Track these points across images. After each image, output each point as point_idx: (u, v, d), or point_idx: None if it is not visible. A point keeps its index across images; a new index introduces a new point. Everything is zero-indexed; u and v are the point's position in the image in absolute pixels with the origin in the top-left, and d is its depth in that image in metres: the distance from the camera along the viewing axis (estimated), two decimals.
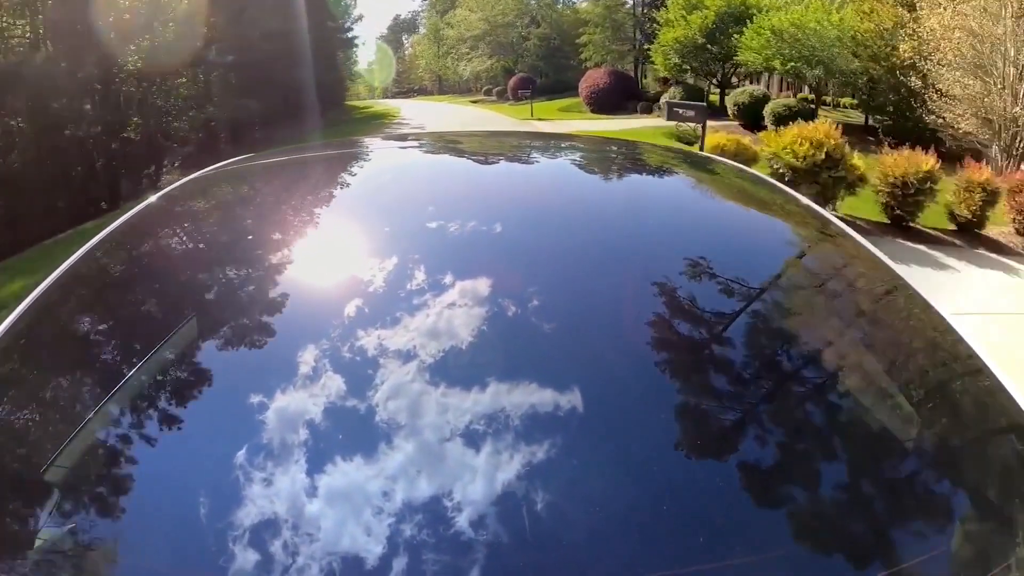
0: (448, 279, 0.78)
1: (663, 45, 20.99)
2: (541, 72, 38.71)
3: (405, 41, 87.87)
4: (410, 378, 0.64)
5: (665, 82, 26.70)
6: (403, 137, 1.78)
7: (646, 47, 25.34)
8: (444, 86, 70.78)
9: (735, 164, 1.39)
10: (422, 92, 76.00)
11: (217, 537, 0.53)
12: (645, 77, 27.43)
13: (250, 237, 0.97)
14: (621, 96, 24.28)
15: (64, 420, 0.68)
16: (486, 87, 46.52)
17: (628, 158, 1.41)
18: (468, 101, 42.05)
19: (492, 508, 0.54)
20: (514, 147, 1.49)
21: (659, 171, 1.34)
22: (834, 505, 0.59)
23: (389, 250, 0.87)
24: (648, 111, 22.77)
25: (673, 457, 0.61)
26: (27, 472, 0.64)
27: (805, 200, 1.15)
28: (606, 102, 24.12)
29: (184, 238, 1.04)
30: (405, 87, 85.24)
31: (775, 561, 0.53)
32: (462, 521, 0.53)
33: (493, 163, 1.31)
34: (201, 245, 1.00)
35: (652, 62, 23.35)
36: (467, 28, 45.95)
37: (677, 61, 21.03)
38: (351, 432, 0.61)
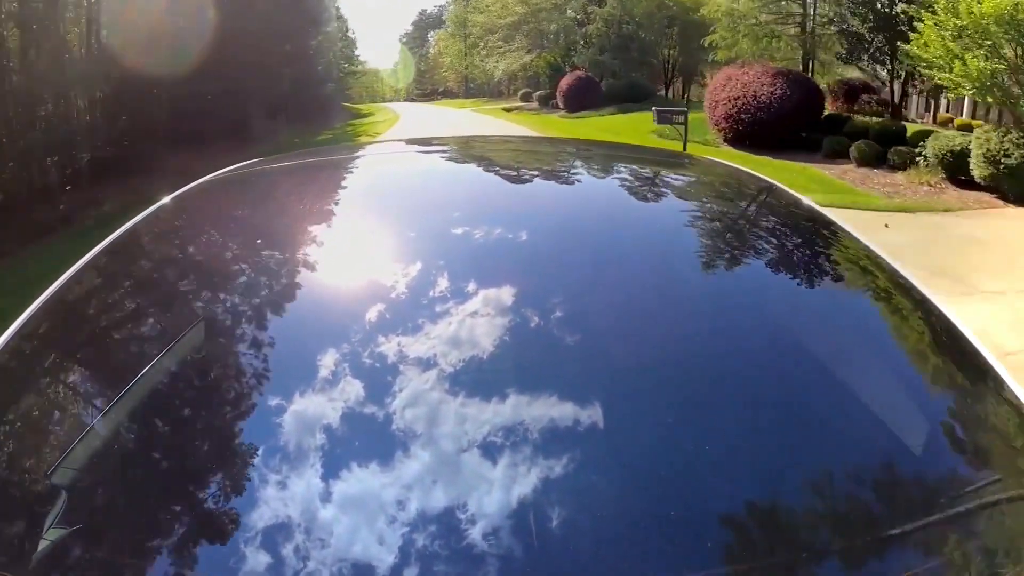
0: (462, 286, 0.77)
1: (968, 24, 8.44)
2: (605, 71, 27.05)
3: (431, 38, 77.37)
4: (425, 385, 0.64)
5: (849, 98, 14.93)
6: (426, 141, 1.69)
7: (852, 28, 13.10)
8: (471, 88, 60.41)
9: (750, 171, 1.33)
10: (447, 95, 66.36)
11: (228, 540, 0.54)
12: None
13: (258, 241, 0.97)
14: (798, 121, 12.04)
15: (77, 422, 0.68)
16: (523, 90, 35.52)
17: (640, 162, 1.40)
18: (500, 109, 30.98)
19: (507, 521, 0.53)
20: (531, 152, 1.50)
21: (669, 176, 1.32)
22: (852, 508, 0.59)
23: (405, 255, 0.87)
24: (881, 162, 10.52)
25: (696, 472, 0.60)
26: (38, 476, 0.63)
27: (808, 201, 1.16)
28: (769, 131, 12.07)
29: (196, 241, 1.05)
30: (428, 88, 75.66)
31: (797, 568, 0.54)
32: (475, 533, 0.52)
33: (511, 168, 1.30)
34: (213, 248, 1.00)
35: (915, 64, 10.20)
36: (500, 14, 34.74)
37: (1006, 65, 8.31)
38: (362, 437, 0.61)
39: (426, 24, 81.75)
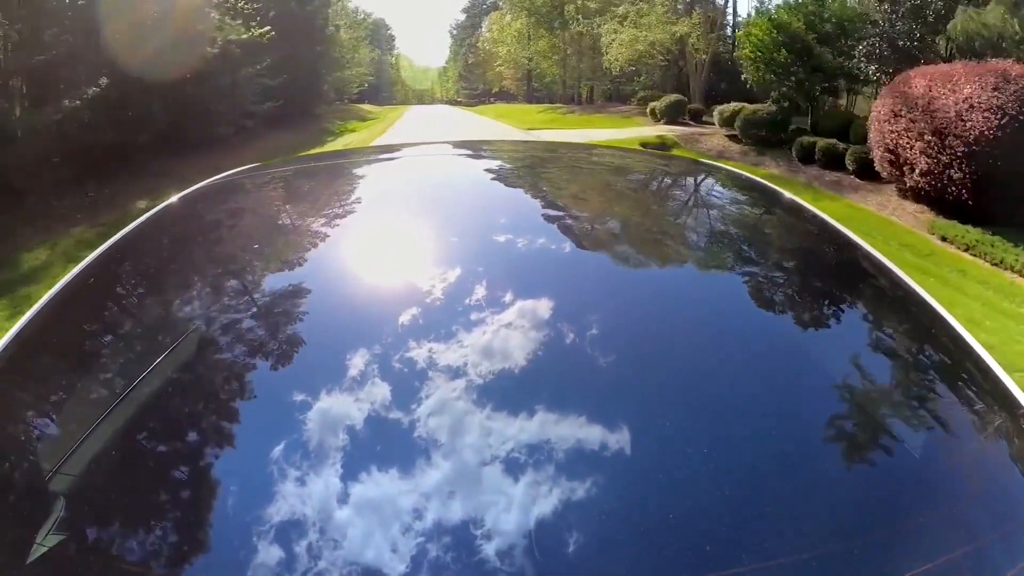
0: (466, 288, 0.77)
1: None
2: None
3: (484, 28, 59.18)
4: (432, 391, 0.63)
5: None
6: (435, 145, 1.65)
7: None
8: (536, 91, 42.42)
9: (756, 178, 1.31)
10: (502, 97, 49.00)
11: (233, 541, 0.54)
12: None
13: (256, 247, 0.97)
14: None
15: (83, 425, 0.67)
16: (656, 97, 17.20)
17: (645, 168, 1.40)
18: (638, 142, 12.42)
19: (516, 532, 0.52)
20: (533, 155, 1.51)
21: (680, 183, 1.30)
22: (855, 510, 0.59)
23: (411, 259, 0.86)
24: None
25: (717, 491, 0.58)
26: (50, 478, 0.62)
27: (801, 204, 1.15)
28: None
29: (197, 244, 1.04)
30: (479, 88, 58.41)
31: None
32: (479, 543, 0.51)
33: (513, 172, 1.29)
34: (214, 251, 0.99)
35: None
36: None
37: None
38: (367, 441, 0.60)
39: (480, 10, 64.17)
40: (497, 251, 0.87)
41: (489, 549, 0.50)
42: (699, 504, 0.57)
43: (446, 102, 64.41)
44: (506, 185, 1.19)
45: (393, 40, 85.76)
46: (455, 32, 72.34)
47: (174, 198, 1.14)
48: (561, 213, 1.02)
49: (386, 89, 76.78)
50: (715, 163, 1.48)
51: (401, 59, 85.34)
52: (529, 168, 1.31)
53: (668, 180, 1.30)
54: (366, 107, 41.88)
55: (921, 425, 0.69)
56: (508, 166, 1.32)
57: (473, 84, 60.88)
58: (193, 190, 1.18)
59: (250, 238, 0.99)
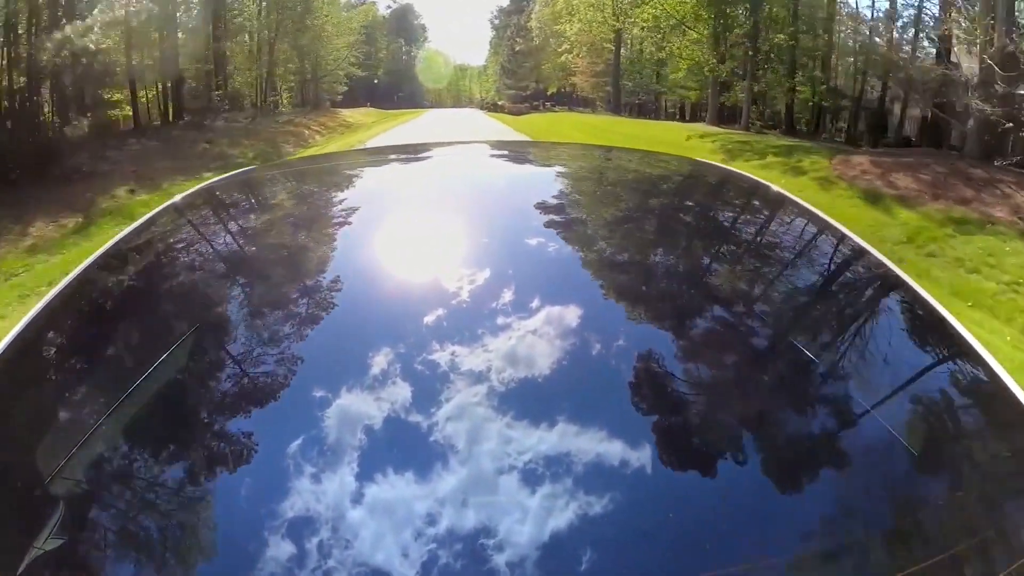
0: (463, 289, 0.76)
1: None
2: None
3: (536, 5, 41.73)
4: (436, 393, 0.62)
5: None
6: (433, 145, 1.68)
7: None
8: (636, 95, 25.32)
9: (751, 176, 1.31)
10: (565, 102, 31.97)
11: (239, 540, 0.54)
12: None
13: (254, 248, 0.97)
14: None
15: (84, 425, 0.67)
16: None
17: (643, 168, 1.39)
18: None
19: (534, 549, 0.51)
20: (535, 155, 1.55)
21: (659, 178, 1.30)
22: (849, 508, 0.59)
23: (417, 257, 0.86)
24: None
25: (724, 501, 0.58)
26: (43, 480, 0.63)
27: (798, 201, 1.14)
28: None
29: (201, 244, 1.03)
30: (529, 87, 41.45)
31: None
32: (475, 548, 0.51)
33: (522, 172, 1.29)
34: (217, 251, 0.99)
35: None
36: None
37: None
38: (376, 443, 0.60)
39: None
40: (499, 253, 0.86)
41: (500, 559, 0.50)
42: (708, 507, 0.57)
43: (480, 106, 47.58)
44: (507, 185, 1.17)
45: (425, 31, 69.38)
46: (496, 20, 55.59)
47: (177, 198, 1.13)
48: (564, 214, 1.01)
49: (409, 87, 61.12)
50: (719, 164, 1.47)
51: (437, 55, 69.32)
52: (531, 168, 1.32)
53: (680, 183, 1.29)
54: (348, 114, 25.12)
55: (919, 423, 0.69)
56: (510, 165, 1.33)
57: (520, 82, 43.71)
58: (195, 191, 1.17)
59: (251, 238, 0.99)
